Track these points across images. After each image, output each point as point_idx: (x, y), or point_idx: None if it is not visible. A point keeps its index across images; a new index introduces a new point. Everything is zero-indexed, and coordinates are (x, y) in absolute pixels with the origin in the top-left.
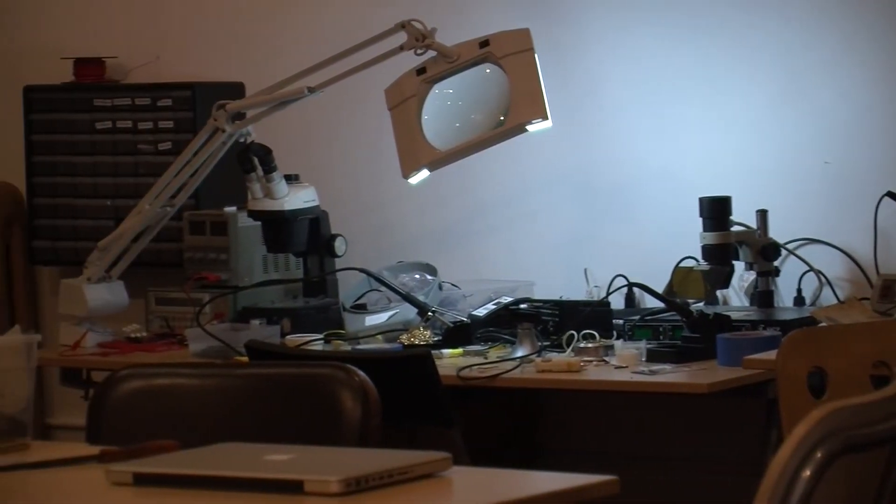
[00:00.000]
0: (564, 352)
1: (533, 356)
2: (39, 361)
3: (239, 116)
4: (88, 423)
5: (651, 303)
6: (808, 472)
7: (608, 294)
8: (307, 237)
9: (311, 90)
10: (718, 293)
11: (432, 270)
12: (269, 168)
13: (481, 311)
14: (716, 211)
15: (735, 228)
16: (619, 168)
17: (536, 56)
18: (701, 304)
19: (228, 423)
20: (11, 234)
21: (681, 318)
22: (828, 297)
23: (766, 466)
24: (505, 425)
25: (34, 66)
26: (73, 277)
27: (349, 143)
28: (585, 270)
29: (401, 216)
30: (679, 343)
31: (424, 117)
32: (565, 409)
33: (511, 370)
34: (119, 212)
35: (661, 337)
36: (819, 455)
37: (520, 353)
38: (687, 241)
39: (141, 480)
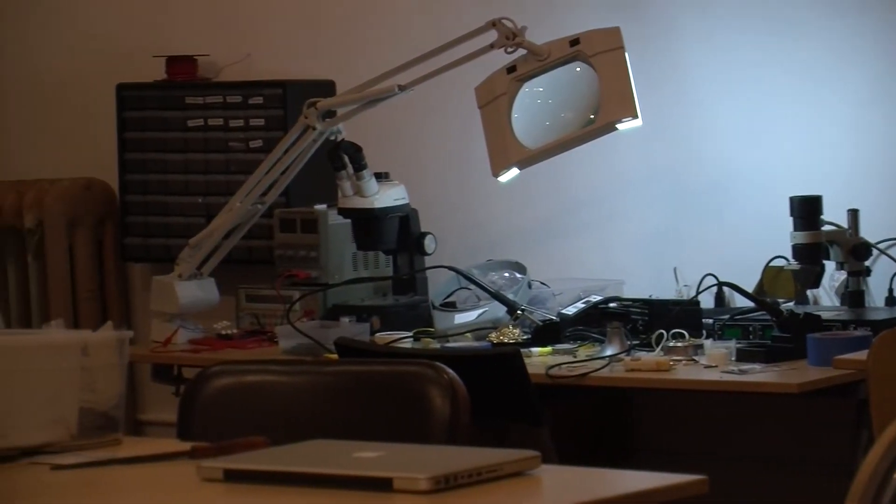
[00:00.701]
0: (654, 351)
1: (622, 355)
2: (131, 358)
3: (329, 114)
4: (179, 419)
5: (741, 302)
6: None
7: (698, 293)
8: (397, 235)
9: (402, 88)
10: (809, 293)
11: (522, 269)
12: (359, 166)
13: (570, 310)
14: (806, 210)
15: (826, 228)
16: (709, 167)
17: (627, 54)
18: (791, 303)
19: (318, 420)
20: (104, 231)
21: (771, 318)
22: None
23: (856, 468)
24: (593, 424)
25: (127, 65)
26: (164, 274)
27: (439, 141)
28: (675, 269)
29: (490, 214)
30: (769, 343)
31: (514, 115)
32: (654, 409)
33: (600, 369)
34: (210, 209)
35: (751, 336)
36: None
37: (609, 352)
38: (777, 240)
39: (231, 477)
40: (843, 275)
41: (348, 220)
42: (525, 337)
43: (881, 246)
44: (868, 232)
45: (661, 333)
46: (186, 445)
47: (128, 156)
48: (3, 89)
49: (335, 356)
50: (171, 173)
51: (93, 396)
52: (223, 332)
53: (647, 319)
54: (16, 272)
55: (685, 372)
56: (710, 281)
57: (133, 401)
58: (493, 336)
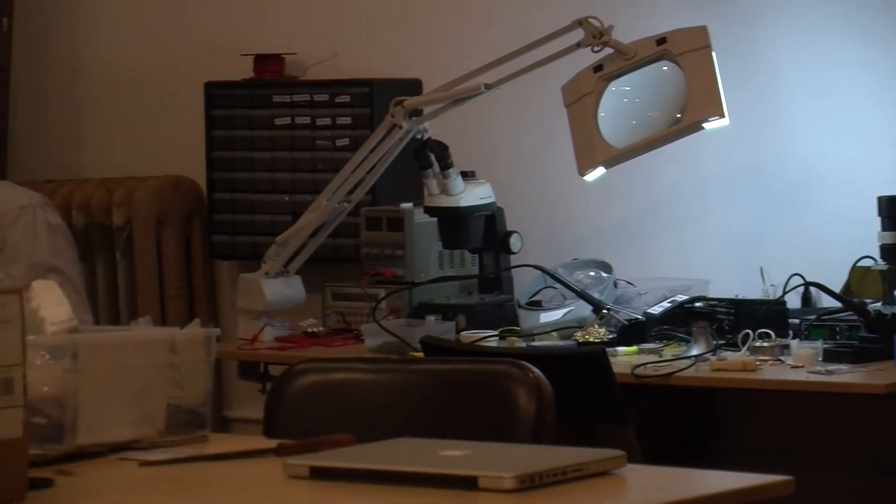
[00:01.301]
0: (740, 351)
1: (708, 355)
2: (218, 355)
3: (416, 113)
4: (265, 416)
5: (828, 302)
6: None
7: (784, 293)
8: (483, 234)
9: (488, 87)
10: None
11: (607, 268)
12: (445, 164)
13: (656, 309)
14: (894, 210)
15: None
16: (796, 166)
17: (713, 53)
18: (879, 304)
19: (403, 418)
20: (192, 229)
21: (858, 318)
22: None
23: None
24: (679, 424)
25: (215, 63)
26: (251, 272)
27: (525, 140)
28: (761, 269)
29: (576, 213)
30: (856, 343)
31: (601, 114)
32: (740, 409)
33: (686, 368)
34: (297, 207)
35: (838, 337)
36: None
37: (695, 352)
38: (864, 240)
39: (317, 474)
40: None
41: (434, 219)
42: (611, 336)
43: None
44: None
45: (748, 333)
46: (272, 442)
47: (215, 154)
48: (93, 87)
49: (420, 354)
50: (258, 171)
51: (180, 393)
52: (309, 330)
53: (734, 319)
54: (104, 269)
55: (771, 372)
56: (796, 281)
57: (219, 398)
58: (579, 335)
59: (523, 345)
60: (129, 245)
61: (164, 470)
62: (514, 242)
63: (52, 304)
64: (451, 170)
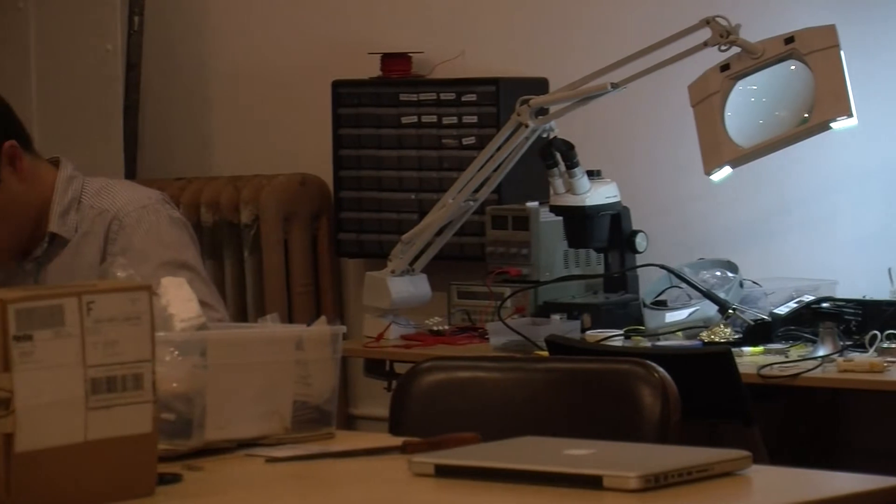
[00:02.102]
0: (867, 352)
1: (835, 356)
2: (344, 352)
3: (542, 112)
4: (391, 413)
5: None
6: None
7: None
8: (608, 233)
9: (615, 86)
10: None
11: (733, 268)
12: (571, 163)
13: (782, 310)
14: None
15: None
16: None
17: (842, 52)
18: None
19: (528, 416)
20: (318, 227)
21: None
22: None
23: None
24: (805, 424)
25: (342, 62)
26: (377, 270)
27: (651, 139)
28: (889, 270)
29: (702, 213)
30: None
31: (728, 114)
32: (867, 410)
33: (812, 369)
34: (423, 205)
35: None
36: None
37: (821, 353)
38: None
39: (442, 472)
40: None
41: (560, 218)
42: (736, 336)
43: None
44: None
45: (875, 334)
46: (398, 440)
47: (342, 152)
48: (222, 85)
49: (545, 353)
50: (384, 170)
51: (307, 390)
52: (435, 328)
53: (861, 320)
54: (232, 267)
55: None
56: None
57: (345, 395)
58: (704, 335)
59: (648, 344)
60: (257, 243)
61: (291, 466)
62: (640, 241)
63: (181, 301)
64: (576, 169)
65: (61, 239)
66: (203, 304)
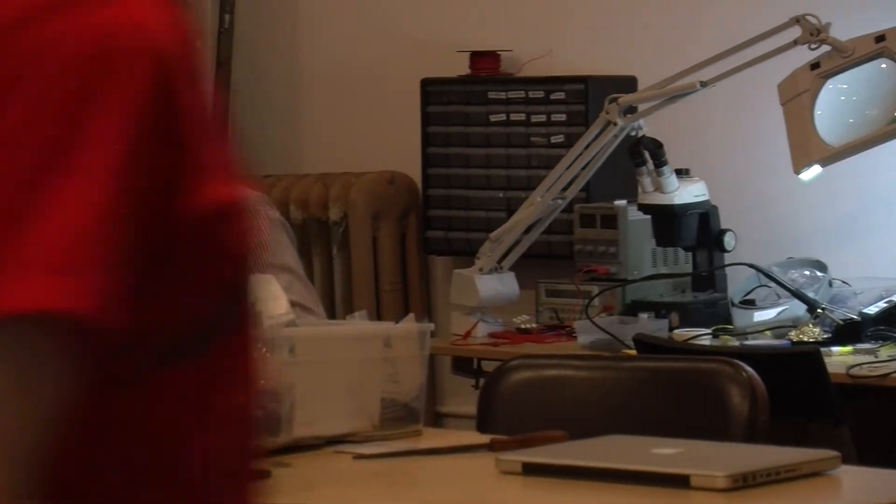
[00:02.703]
0: None
1: None
2: (432, 350)
3: (631, 110)
4: (479, 411)
5: None
6: None
7: None
8: (696, 232)
9: (704, 84)
10: None
11: (822, 267)
12: (659, 162)
13: (872, 309)
14: None
15: None
16: None
17: None
18: None
19: (615, 415)
20: (407, 225)
21: None
22: None
23: None
24: (894, 425)
25: (431, 59)
26: (465, 268)
27: (740, 138)
28: None
29: (791, 211)
30: None
31: (817, 112)
32: None
33: None
34: (511, 203)
35: None
36: None
37: None
38: None
39: (529, 470)
40: None
41: (648, 217)
42: (825, 336)
43: None
44: None
45: None
46: (485, 438)
47: (431, 150)
48: (311, 83)
49: (633, 352)
50: (472, 168)
51: (395, 387)
52: (522, 326)
53: None
54: (321, 264)
55: None
56: None
57: (433, 393)
58: (793, 334)
59: (737, 343)
60: (346, 240)
61: (378, 463)
62: (728, 240)
63: (270, 299)
64: (665, 167)
65: None
66: (303, 307)
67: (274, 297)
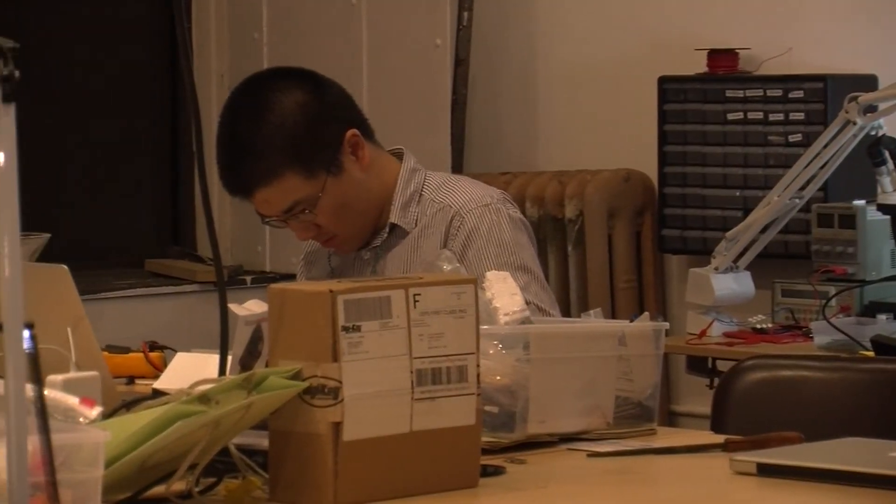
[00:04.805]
0: None
1: None
2: (666, 349)
3: (870, 109)
4: (713, 411)
5: None
6: None
7: None
8: None
9: None
10: None
11: None
12: None
13: None
14: None
15: None
16: None
17: None
18: None
19: (852, 417)
20: (642, 222)
21: None
22: None
23: None
24: None
25: (669, 57)
26: (700, 266)
27: None
28: None
29: None
30: None
31: None
32: None
33: None
34: (747, 202)
35: None
36: None
37: None
38: None
39: (764, 471)
40: None
41: (887, 217)
42: None
43: None
44: None
45: None
46: (720, 438)
47: (667, 148)
48: (548, 81)
49: (871, 354)
50: (709, 166)
51: (629, 386)
52: (758, 326)
53: None
54: (556, 261)
55: None
56: None
57: (667, 392)
58: None
59: None
60: (581, 237)
61: (612, 462)
62: None
63: (506, 295)
64: None
65: (401, 230)
66: (538, 308)
67: (510, 294)
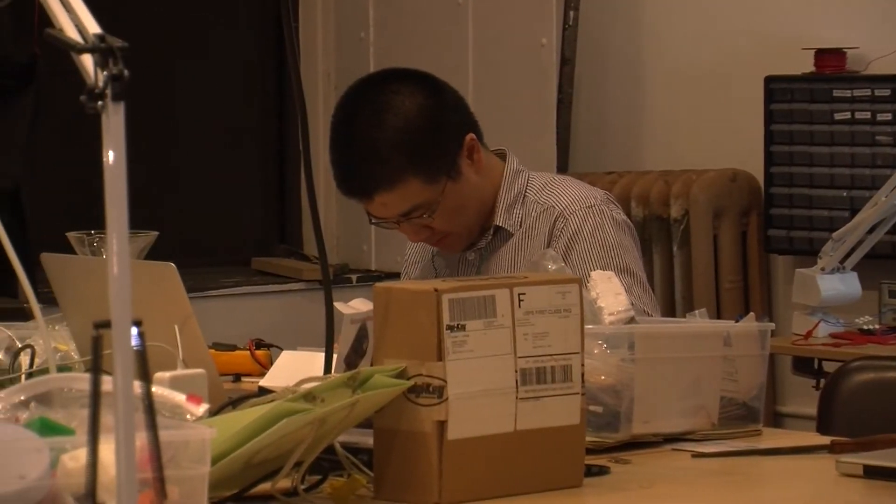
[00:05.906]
0: None
1: None
2: (772, 349)
3: None
4: (819, 412)
5: None
6: None
7: None
8: None
9: None
10: None
11: None
12: None
13: None
14: None
15: None
16: None
17: None
18: None
19: None
20: (748, 222)
21: None
22: None
23: None
24: None
25: (776, 57)
26: (806, 267)
27: None
28: None
29: None
30: None
31: None
32: None
33: None
34: (854, 203)
35: None
36: None
37: None
38: None
39: (871, 473)
40: None
41: None
42: None
43: None
44: None
45: None
46: (826, 439)
47: (774, 148)
48: (654, 80)
49: None
50: (816, 166)
51: (734, 386)
52: (865, 327)
53: None
54: (661, 260)
55: None
56: None
57: (772, 393)
58: None
59: None
60: (686, 237)
61: (717, 462)
62: None
63: (610, 295)
64: None
65: (505, 232)
66: (642, 312)
67: (615, 293)
